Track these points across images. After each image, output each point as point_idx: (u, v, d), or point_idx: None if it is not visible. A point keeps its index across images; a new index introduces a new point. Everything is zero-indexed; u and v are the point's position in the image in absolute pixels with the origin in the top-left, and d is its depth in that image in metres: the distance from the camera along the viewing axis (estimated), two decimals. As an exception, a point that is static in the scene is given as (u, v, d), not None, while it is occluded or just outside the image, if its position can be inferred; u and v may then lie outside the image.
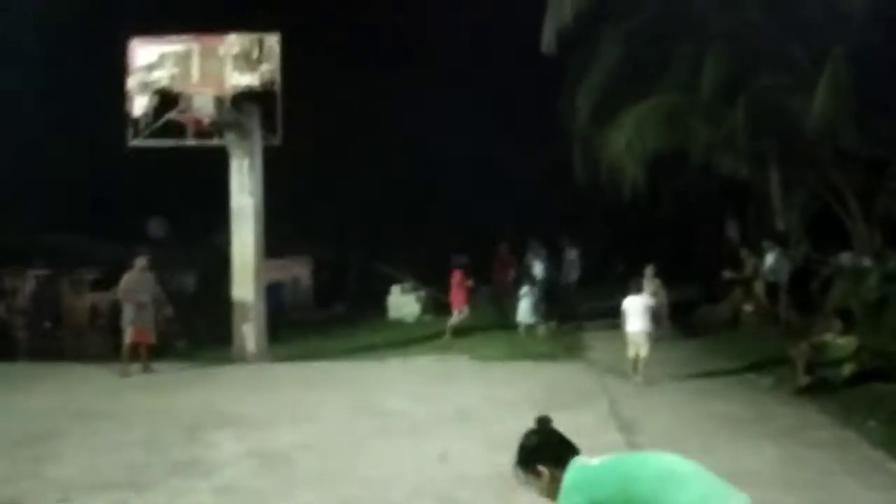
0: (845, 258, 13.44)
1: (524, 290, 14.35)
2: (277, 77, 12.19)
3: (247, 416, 8.36)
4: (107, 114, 13.31)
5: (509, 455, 6.50)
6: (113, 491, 5.80)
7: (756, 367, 10.37)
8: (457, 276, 14.51)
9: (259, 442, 7.19)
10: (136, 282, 11.57)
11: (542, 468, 2.74)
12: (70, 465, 6.55)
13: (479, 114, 19.73)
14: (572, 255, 17.77)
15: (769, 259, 13.57)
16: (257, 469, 6.38)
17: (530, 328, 14.14)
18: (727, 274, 15.26)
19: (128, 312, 11.50)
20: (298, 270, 22.99)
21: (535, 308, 14.24)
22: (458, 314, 14.39)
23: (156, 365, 11.77)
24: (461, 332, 14.26)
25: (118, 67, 12.39)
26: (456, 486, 5.73)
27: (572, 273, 17.69)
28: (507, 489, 5.62)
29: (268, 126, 12.67)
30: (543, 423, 2.87)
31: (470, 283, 14.61)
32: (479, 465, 6.24)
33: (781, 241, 13.95)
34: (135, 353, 11.49)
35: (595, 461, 2.70)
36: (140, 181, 18.12)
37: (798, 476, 5.93)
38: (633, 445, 6.66)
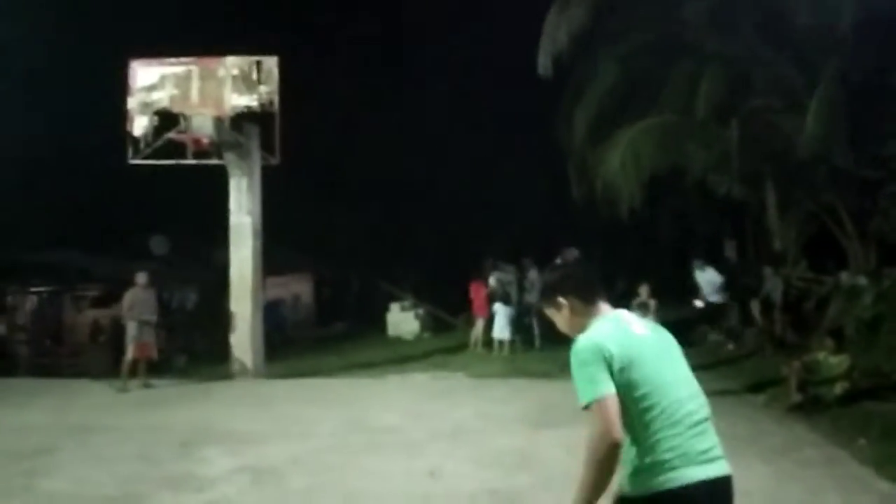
0: (843, 277, 13.49)
1: (496, 306, 14.39)
2: (276, 98, 12.37)
3: (240, 432, 8.40)
4: (108, 133, 13.50)
5: (500, 472, 6.54)
6: (104, 505, 5.85)
7: (750, 385, 10.39)
8: (479, 287, 14.63)
9: (252, 458, 7.23)
10: (139, 298, 11.68)
11: (561, 300, 2.77)
12: (63, 480, 6.61)
13: (477, 134, 19.92)
14: (533, 275, 17.55)
15: (701, 276, 13.88)
16: (249, 484, 6.42)
17: (502, 344, 14.19)
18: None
19: (131, 328, 11.59)
20: (299, 288, 23.11)
21: (509, 324, 14.25)
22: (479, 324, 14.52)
23: (154, 381, 11.85)
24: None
25: (119, 88, 12.59)
26: (444, 503, 5.76)
27: (533, 293, 17.35)
28: (494, 505, 5.67)
29: (267, 146, 12.83)
30: (568, 259, 2.88)
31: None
32: (468, 481, 6.28)
33: (776, 261, 14.02)
34: (133, 369, 11.56)
35: (628, 326, 2.69)
36: (141, 199, 18.31)
37: (787, 495, 5.95)
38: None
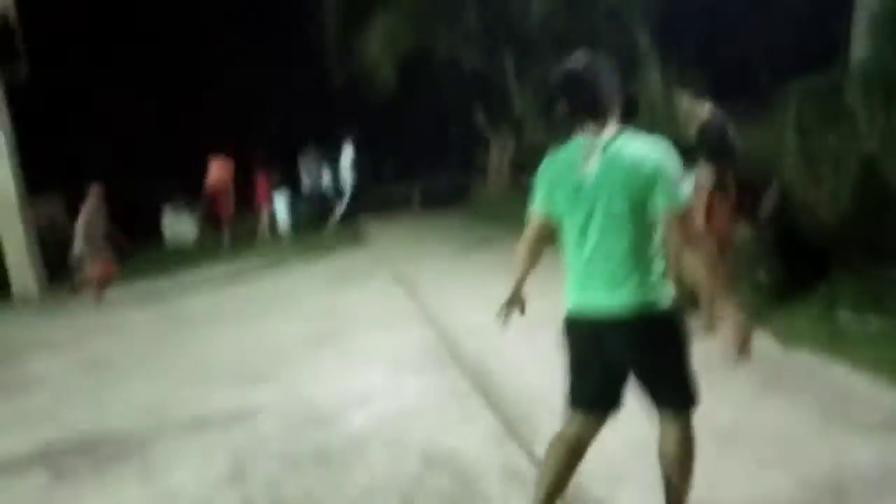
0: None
1: (273, 194, 15.50)
2: (12, 9, 11.53)
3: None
4: None
5: (312, 323, 7.58)
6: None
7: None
8: (262, 178, 15.28)
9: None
10: None
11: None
12: None
13: (233, 37, 19.67)
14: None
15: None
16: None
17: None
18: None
19: None
20: (52, 210, 21.54)
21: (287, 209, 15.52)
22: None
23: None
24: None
25: None
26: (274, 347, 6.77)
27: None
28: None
29: (10, 60, 11.97)
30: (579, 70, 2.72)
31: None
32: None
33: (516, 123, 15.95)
34: None
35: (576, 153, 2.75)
36: None
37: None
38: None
